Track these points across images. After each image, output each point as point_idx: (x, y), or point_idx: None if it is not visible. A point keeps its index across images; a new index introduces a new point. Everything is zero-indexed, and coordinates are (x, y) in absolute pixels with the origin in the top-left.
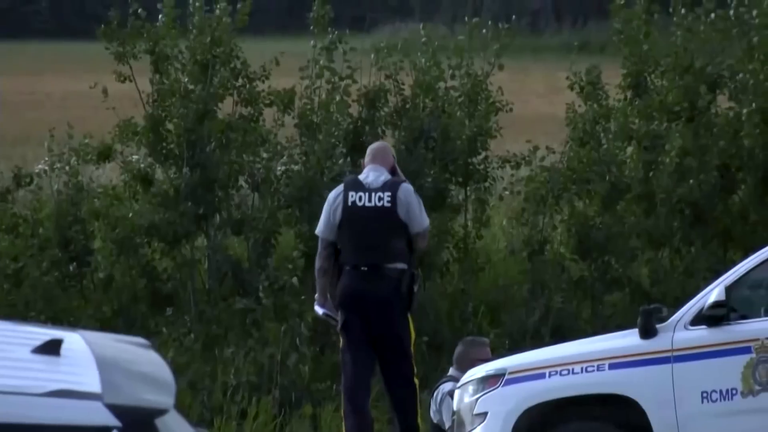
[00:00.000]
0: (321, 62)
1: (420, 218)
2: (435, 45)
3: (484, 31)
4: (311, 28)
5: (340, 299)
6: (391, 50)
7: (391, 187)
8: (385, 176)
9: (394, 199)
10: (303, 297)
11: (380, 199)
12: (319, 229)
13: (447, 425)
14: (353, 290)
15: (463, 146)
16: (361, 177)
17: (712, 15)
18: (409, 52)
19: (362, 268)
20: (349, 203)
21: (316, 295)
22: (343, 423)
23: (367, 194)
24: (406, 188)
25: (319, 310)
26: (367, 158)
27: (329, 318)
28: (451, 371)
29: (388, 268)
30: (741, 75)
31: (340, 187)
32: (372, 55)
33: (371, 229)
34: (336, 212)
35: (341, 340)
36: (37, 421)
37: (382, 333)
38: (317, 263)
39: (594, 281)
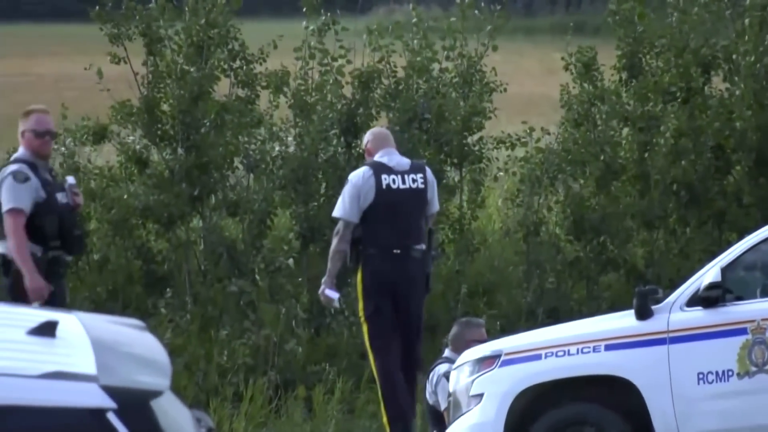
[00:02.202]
0: (312, 44)
1: (437, 200)
2: (425, 26)
3: (477, 12)
4: (303, 10)
5: (374, 285)
6: (382, 32)
7: (419, 168)
8: (405, 159)
9: (425, 180)
10: (300, 279)
11: (414, 180)
12: (344, 212)
13: (443, 407)
14: (388, 274)
15: (458, 127)
16: (383, 161)
17: None
18: (402, 34)
19: (395, 251)
20: (384, 186)
21: (325, 279)
22: (383, 407)
23: (399, 177)
24: (429, 170)
25: (334, 294)
26: (372, 144)
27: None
28: (447, 352)
29: (415, 249)
30: (734, 56)
31: (368, 171)
32: (364, 36)
33: (406, 212)
34: (368, 195)
35: (368, 327)
36: (32, 403)
37: (408, 314)
38: (339, 246)
39: (589, 262)
